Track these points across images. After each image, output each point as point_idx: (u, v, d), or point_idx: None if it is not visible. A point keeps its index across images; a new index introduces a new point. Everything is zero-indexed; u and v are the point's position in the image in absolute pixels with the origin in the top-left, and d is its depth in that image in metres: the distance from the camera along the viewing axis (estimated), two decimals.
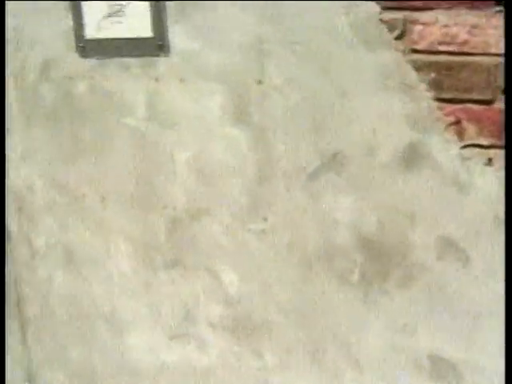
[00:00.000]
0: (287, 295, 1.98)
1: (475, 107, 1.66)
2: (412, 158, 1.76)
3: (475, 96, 1.65)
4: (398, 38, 1.69)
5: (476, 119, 1.67)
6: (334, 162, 1.82)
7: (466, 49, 1.63)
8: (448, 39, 1.65)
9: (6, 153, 2.31)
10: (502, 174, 1.64)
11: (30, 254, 2.37)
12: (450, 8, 1.64)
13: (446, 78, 1.67)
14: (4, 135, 2.28)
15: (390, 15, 1.70)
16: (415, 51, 1.69)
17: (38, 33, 2.12)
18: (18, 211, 2.35)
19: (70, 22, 2.05)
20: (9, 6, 2.12)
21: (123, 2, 1.92)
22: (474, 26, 1.61)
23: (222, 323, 2.09)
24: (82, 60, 2.06)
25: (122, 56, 1.98)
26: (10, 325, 2.51)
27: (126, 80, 2.00)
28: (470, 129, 1.68)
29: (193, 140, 1.95)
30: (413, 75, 1.70)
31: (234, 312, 2.06)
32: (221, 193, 1.96)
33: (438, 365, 1.87)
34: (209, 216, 1.99)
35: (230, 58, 1.85)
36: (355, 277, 1.89)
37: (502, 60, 1.59)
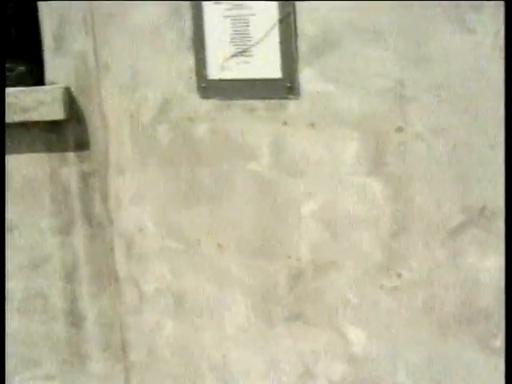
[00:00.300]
0: (419, 357, 1.83)
1: None
2: None
3: None
4: None
5: None
6: (480, 217, 1.66)
7: None
8: None
9: (118, 193, 2.22)
10: None
11: (138, 298, 2.28)
12: None
13: None
14: (4, 139, 2.18)
15: None
16: None
17: (156, 72, 2.03)
18: (127, 254, 2.26)
19: (192, 62, 1.95)
20: (126, 47, 2.04)
21: (251, 42, 1.81)
22: None
23: (344, 383, 1.94)
24: (203, 101, 1.96)
25: (247, 98, 1.87)
26: (114, 367, 2.42)
27: (250, 123, 1.89)
28: None
29: (322, 189, 1.83)
30: None
31: (359, 372, 1.91)
32: (350, 245, 1.82)
33: None
34: (336, 269, 1.86)
35: (366, 103, 1.72)
36: (498, 343, 1.72)
37: None
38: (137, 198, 2.18)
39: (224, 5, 1.84)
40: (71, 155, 2.26)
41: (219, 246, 2.04)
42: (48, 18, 2.19)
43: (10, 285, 2.41)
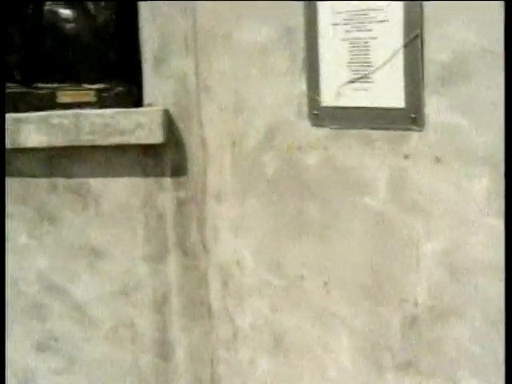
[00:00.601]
0: None
1: None
2: None
3: None
4: None
5: None
6: None
7: None
8: None
9: (215, 222, 2.10)
10: None
11: (232, 333, 2.16)
12: None
13: None
14: (4, 142, 2.07)
15: None
16: None
17: (263, 96, 1.91)
18: (222, 287, 2.14)
19: (303, 87, 1.82)
20: (230, 69, 1.92)
21: (371, 68, 1.66)
22: None
23: None
24: (315, 129, 1.82)
25: (364, 127, 1.73)
26: None
27: (366, 155, 1.75)
28: None
29: (445, 229, 1.67)
30: None
31: None
32: (475, 293, 1.66)
33: None
34: (458, 318, 1.69)
35: (500, 138, 1.55)
36: None
37: None
38: (236, 229, 2.06)
39: (342, 27, 1.70)
40: (167, 181, 2.16)
41: (325, 284, 1.90)
42: (149, 37, 2.10)
43: (99, 312, 2.33)
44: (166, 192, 2.16)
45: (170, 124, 2.09)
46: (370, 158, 1.75)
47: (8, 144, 2.20)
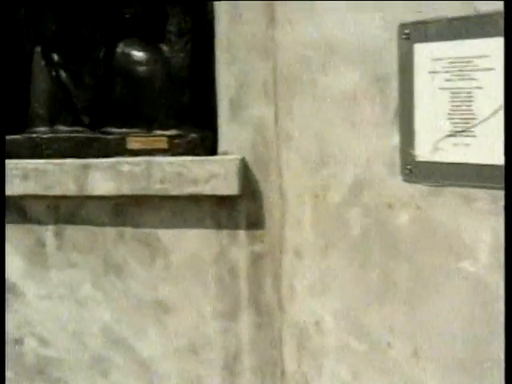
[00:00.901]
0: None
1: None
2: None
3: None
4: None
5: None
6: None
7: None
8: None
9: (292, 280, 1.96)
10: None
11: None
12: None
13: None
14: (4, 146, 1.98)
15: None
16: None
17: (349, 148, 1.77)
18: (299, 349, 2.00)
19: (396, 139, 1.68)
20: (313, 117, 1.79)
21: (475, 121, 1.51)
22: None
23: None
24: (407, 185, 1.68)
25: (465, 185, 1.57)
26: None
27: (466, 215, 1.59)
28: None
29: None
30: None
31: None
32: None
33: None
34: None
35: None
36: None
37: None
38: (315, 288, 1.92)
39: (442, 75, 1.55)
40: (242, 234, 2.03)
41: (414, 353, 1.74)
42: (226, 82, 1.99)
43: (165, 368, 2.20)
44: (240, 246, 2.03)
45: (246, 174, 1.97)
46: (469, 218, 1.59)
47: (75, 191, 2.10)
